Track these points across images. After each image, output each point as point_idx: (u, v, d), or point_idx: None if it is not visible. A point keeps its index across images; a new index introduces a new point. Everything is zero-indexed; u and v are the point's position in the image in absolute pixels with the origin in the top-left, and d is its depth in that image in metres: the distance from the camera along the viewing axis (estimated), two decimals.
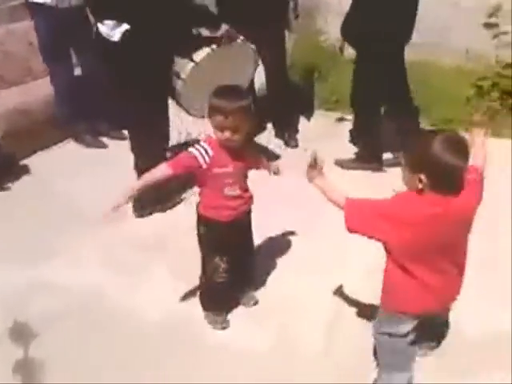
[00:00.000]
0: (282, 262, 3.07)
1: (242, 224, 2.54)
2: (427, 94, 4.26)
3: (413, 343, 2.20)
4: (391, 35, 3.46)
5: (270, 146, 4.36)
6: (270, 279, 2.95)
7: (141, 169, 3.46)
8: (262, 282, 2.93)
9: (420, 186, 1.88)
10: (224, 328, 2.65)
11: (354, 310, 2.74)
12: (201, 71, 3.15)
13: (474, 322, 2.60)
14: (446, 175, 1.85)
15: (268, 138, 4.49)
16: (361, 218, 1.99)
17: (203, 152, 2.30)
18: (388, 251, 2.03)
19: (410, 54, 4.81)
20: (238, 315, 2.74)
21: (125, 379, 2.41)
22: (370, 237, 2.00)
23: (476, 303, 2.65)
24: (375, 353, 2.36)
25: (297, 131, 4.53)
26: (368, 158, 3.92)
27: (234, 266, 2.56)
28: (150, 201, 3.43)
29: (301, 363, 2.48)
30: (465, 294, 2.36)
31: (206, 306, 2.67)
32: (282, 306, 2.76)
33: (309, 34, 5.50)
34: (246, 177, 2.47)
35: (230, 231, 2.45)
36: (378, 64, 3.53)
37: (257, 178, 2.62)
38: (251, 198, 2.54)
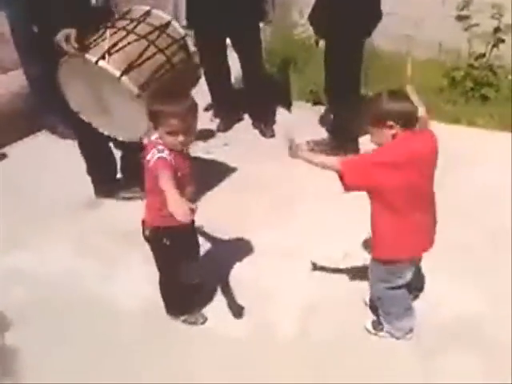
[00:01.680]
0: (256, 248, 3.08)
1: (192, 225, 2.53)
2: (401, 84, 4.30)
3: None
4: (356, 23, 3.47)
5: (249, 137, 4.38)
6: (245, 266, 2.96)
7: (93, 175, 3.50)
8: (236, 269, 2.94)
9: (393, 131, 2.12)
10: (204, 321, 2.64)
11: (329, 292, 2.77)
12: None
13: (445, 303, 2.65)
14: (407, 115, 2.13)
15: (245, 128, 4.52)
16: (357, 172, 2.16)
17: (168, 155, 2.16)
18: (382, 200, 2.19)
19: (384, 45, 4.93)
20: (214, 302, 2.75)
21: (101, 367, 2.41)
22: (368, 188, 2.19)
23: (448, 285, 2.71)
24: (372, 307, 2.56)
25: (273, 122, 4.55)
26: (343, 142, 3.95)
27: (195, 265, 2.59)
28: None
29: (277, 347, 2.51)
30: (437, 275, 2.43)
31: (184, 310, 2.64)
32: (256, 293, 2.78)
33: (284, 26, 5.53)
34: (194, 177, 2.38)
35: (189, 235, 2.47)
36: (344, 52, 3.56)
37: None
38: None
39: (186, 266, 2.49)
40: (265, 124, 4.46)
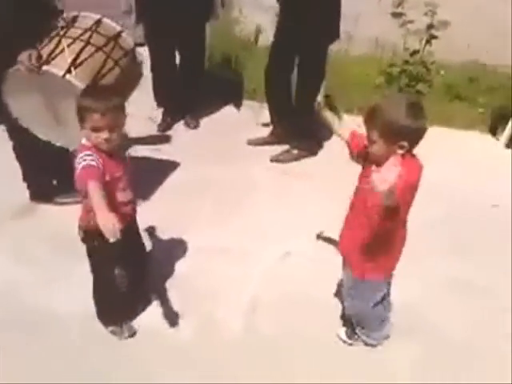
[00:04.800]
0: (198, 248, 3.08)
1: (134, 228, 2.49)
2: (338, 81, 4.39)
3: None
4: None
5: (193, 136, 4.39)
6: (188, 266, 2.96)
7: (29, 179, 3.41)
8: (180, 270, 2.94)
9: (401, 151, 1.95)
10: (133, 334, 2.57)
11: (272, 291, 2.80)
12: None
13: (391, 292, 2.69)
14: (421, 136, 1.97)
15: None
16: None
17: (96, 159, 2.12)
18: (390, 216, 2.05)
19: None
20: (158, 303, 2.73)
21: (43, 378, 2.35)
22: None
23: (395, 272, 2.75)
24: (344, 317, 2.55)
25: (199, 114, 4.59)
26: (300, 145, 4.01)
27: (131, 272, 2.50)
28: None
29: (224, 344, 2.53)
30: None
31: (110, 320, 2.58)
32: (201, 292, 2.78)
33: (225, 24, 5.51)
34: (130, 178, 2.35)
35: (125, 238, 2.28)
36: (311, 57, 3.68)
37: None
38: (135, 201, 2.45)
39: (118, 271, 2.43)
40: (190, 115, 4.51)
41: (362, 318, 2.44)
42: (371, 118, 1.98)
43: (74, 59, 2.78)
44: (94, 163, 2.11)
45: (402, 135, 1.92)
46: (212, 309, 2.71)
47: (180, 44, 4.22)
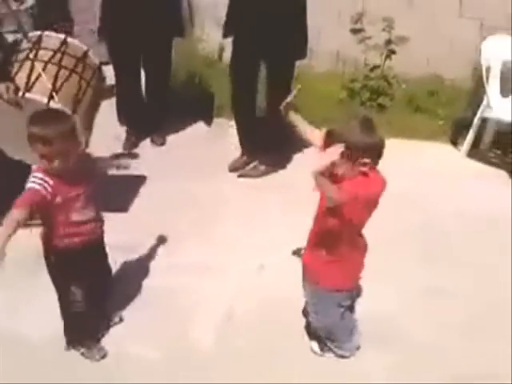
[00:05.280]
0: (174, 264, 3.06)
1: (96, 248, 2.46)
2: (302, 96, 4.43)
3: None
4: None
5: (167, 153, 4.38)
6: (160, 283, 2.93)
7: None
8: (153, 287, 2.91)
9: (364, 168, 2.07)
10: (103, 356, 2.53)
11: (247, 305, 2.81)
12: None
13: (359, 303, 2.70)
14: (380, 152, 2.10)
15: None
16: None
17: (43, 183, 2.15)
18: (343, 230, 2.17)
19: None
20: (127, 325, 2.69)
21: None
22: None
23: (365, 283, 2.75)
24: (308, 329, 2.57)
25: (164, 131, 4.57)
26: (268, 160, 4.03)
27: (91, 291, 2.45)
28: None
29: (197, 359, 2.51)
30: None
31: (75, 341, 2.54)
32: (173, 309, 2.77)
33: (188, 42, 5.53)
34: (93, 197, 2.34)
35: (84, 257, 2.33)
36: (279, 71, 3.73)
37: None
38: (102, 220, 2.44)
39: (74, 289, 2.39)
40: (156, 133, 4.50)
41: (330, 331, 2.46)
42: (329, 143, 2.07)
43: (53, 84, 2.80)
44: (38, 187, 2.13)
45: (361, 152, 2.04)
46: (185, 324, 2.69)
47: (145, 61, 4.21)
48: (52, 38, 3.01)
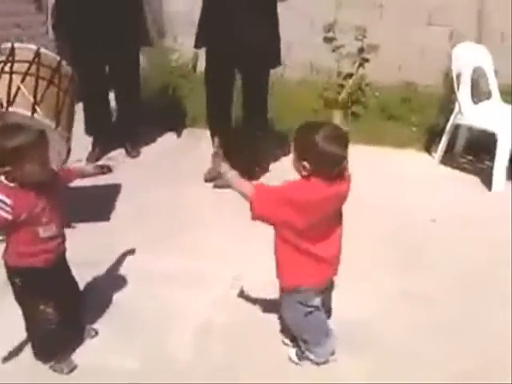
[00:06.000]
0: (148, 274, 3.00)
1: (62, 264, 2.41)
2: (276, 105, 4.46)
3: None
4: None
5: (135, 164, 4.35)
6: (136, 295, 2.88)
7: None
8: (127, 299, 2.86)
9: (304, 172, 2.07)
10: (72, 370, 2.46)
11: (224, 315, 2.77)
12: None
13: (335, 309, 2.67)
14: (328, 163, 2.06)
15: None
16: (268, 203, 2.13)
17: (1, 205, 2.07)
18: (285, 233, 2.18)
19: None
20: (103, 337, 2.64)
21: None
22: (274, 222, 2.17)
23: (341, 288, 2.72)
24: (283, 330, 2.56)
25: (138, 143, 4.57)
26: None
27: (60, 307, 2.39)
28: None
29: (174, 371, 2.47)
30: None
31: (45, 357, 2.47)
32: (149, 321, 2.72)
33: (160, 53, 5.52)
34: (60, 211, 2.30)
35: (51, 276, 2.28)
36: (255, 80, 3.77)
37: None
38: (64, 235, 2.38)
39: (43, 308, 2.33)
40: (130, 144, 4.48)
41: (298, 330, 2.46)
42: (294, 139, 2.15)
43: (34, 96, 2.78)
44: None
45: (304, 153, 2.07)
46: (160, 336, 2.65)
47: (112, 73, 4.17)
48: (25, 50, 2.97)
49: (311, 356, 2.47)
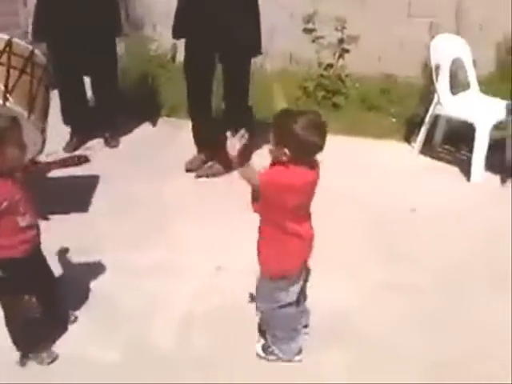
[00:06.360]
0: (128, 266, 2.98)
1: (38, 254, 2.40)
2: (256, 95, 4.44)
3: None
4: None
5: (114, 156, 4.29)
6: (116, 286, 2.85)
7: None
8: (108, 290, 2.84)
9: (284, 158, 2.11)
10: (54, 359, 2.46)
11: (205, 306, 2.77)
12: None
13: (317, 300, 2.67)
14: (307, 151, 2.12)
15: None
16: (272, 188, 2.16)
17: None
18: (273, 217, 2.22)
19: None
20: (83, 327, 2.62)
21: None
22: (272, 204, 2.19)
23: (322, 280, 2.73)
24: (260, 329, 2.53)
25: (117, 132, 4.53)
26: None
27: (40, 297, 2.39)
28: None
29: (156, 361, 2.46)
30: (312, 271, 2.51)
31: (28, 347, 2.45)
32: (130, 312, 2.71)
33: (138, 42, 5.45)
34: (33, 202, 2.28)
35: (31, 265, 2.28)
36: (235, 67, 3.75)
37: None
38: (38, 226, 2.36)
39: (27, 298, 2.33)
40: (110, 134, 4.45)
41: (270, 322, 2.46)
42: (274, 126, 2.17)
43: (5, 85, 2.72)
44: None
45: (284, 140, 2.09)
46: (142, 327, 2.63)
47: (87, 63, 4.11)
48: None
49: (279, 353, 2.47)
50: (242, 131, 2.16)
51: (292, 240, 2.26)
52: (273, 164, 2.21)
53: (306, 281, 2.49)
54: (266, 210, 2.23)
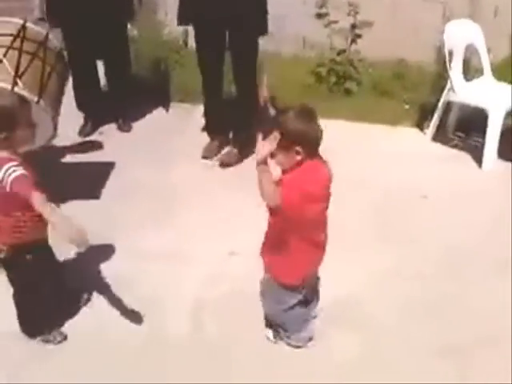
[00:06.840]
0: (141, 252, 3.02)
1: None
2: (269, 81, 4.43)
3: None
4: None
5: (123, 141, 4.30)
6: (130, 272, 2.89)
7: None
8: (122, 275, 2.87)
9: (299, 157, 2.07)
10: (65, 338, 2.52)
11: (218, 291, 2.80)
12: None
13: (330, 284, 2.67)
14: (315, 141, 2.10)
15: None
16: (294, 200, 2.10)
17: (24, 169, 2.12)
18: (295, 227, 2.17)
19: None
20: (105, 311, 2.67)
21: None
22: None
23: (332, 266, 2.77)
24: (268, 324, 2.54)
25: (130, 118, 4.55)
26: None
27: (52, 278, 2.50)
28: None
29: (167, 347, 2.50)
30: None
31: (37, 331, 2.51)
32: (143, 297, 2.74)
33: (151, 27, 5.45)
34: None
35: (48, 247, 2.42)
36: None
37: None
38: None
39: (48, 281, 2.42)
40: (123, 119, 4.46)
41: (276, 320, 2.48)
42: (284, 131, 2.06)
43: (16, 70, 2.74)
44: (26, 172, 2.09)
45: (294, 140, 2.05)
46: (155, 313, 2.67)
47: (100, 48, 4.13)
48: (8, 23, 2.95)
49: (288, 341, 2.49)
50: (276, 133, 2.03)
51: (309, 248, 2.26)
52: (285, 171, 2.15)
53: (317, 278, 2.50)
54: (283, 218, 2.16)
